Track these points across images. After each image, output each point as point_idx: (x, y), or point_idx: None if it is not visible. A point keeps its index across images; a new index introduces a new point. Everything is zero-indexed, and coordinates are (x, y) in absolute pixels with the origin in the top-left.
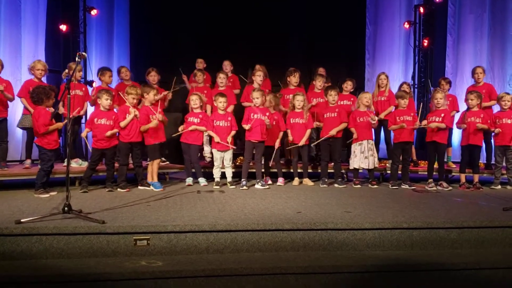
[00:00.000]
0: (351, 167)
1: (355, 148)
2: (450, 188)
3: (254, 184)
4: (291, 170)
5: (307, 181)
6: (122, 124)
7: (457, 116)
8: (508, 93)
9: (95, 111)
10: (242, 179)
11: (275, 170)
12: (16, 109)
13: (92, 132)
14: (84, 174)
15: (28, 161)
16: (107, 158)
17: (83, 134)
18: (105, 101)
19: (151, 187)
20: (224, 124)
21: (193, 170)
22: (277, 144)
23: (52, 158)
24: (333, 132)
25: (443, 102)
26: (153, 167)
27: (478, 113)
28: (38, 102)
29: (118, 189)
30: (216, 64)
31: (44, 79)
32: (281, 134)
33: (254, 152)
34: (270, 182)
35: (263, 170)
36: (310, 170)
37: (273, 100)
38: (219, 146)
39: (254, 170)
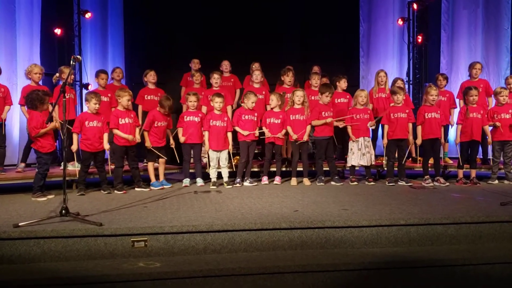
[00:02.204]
0: (348, 165)
1: (352, 145)
2: (447, 184)
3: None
4: (284, 169)
5: (305, 181)
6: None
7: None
8: (505, 88)
9: (83, 114)
10: (237, 178)
11: (274, 169)
12: (13, 114)
13: (82, 135)
14: (78, 177)
15: (22, 164)
16: (98, 161)
17: (74, 149)
18: (93, 105)
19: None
20: (220, 124)
21: (192, 171)
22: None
23: (48, 161)
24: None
25: (437, 98)
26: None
27: (478, 109)
28: (32, 107)
29: (115, 191)
30: (212, 65)
31: (40, 83)
32: (283, 131)
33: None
34: (267, 182)
35: (257, 169)
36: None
37: (279, 99)
38: (214, 146)
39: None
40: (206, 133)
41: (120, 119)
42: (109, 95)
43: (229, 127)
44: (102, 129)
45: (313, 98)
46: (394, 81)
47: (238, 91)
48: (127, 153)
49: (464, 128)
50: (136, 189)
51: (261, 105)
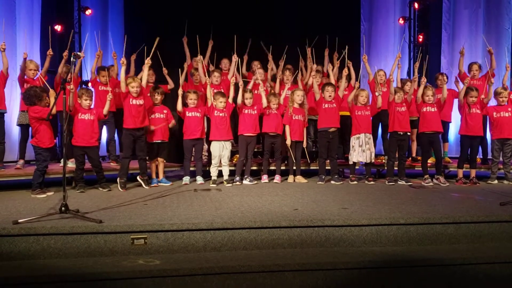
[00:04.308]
0: (350, 162)
1: (354, 142)
2: (447, 183)
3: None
4: (283, 168)
5: (300, 178)
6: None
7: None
8: (505, 89)
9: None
10: (236, 176)
11: (274, 167)
12: (12, 110)
13: (73, 130)
14: (75, 175)
15: (21, 161)
16: (91, 159)
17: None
18: (84, 101)
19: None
20: (223, 115)
21: (192, 168)
22: (288, 142)
23: (47, 158)
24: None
25: (433, 99)
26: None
27: (476, 104)
28: (30, 104)
29: (118, 187)
30: (212, 62)
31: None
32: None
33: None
34: (266, 180)
35: (256, 168)
36: (304, 167)
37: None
38: (218, 136)
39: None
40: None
41: (131, 99)
42: (110, 88)
43: (229, 109)
44: (94, 123)
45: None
46: (404, 83)
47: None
48: (136, 143)
49: (465, 123)
50: (138, 178)
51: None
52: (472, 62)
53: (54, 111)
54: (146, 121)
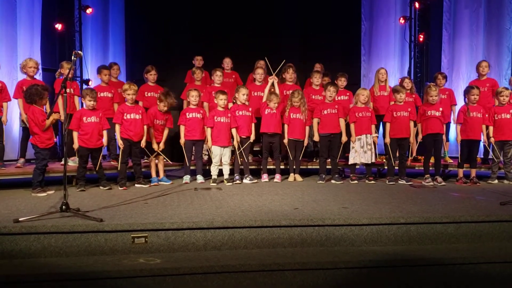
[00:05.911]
0: (350, 163)
1: (354, 143)
2: (444, 183)
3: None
4: (282, 167)
5: (297, 177)
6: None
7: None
8: (507, 88)
9: (81, 111)
10: (235, 175)
11: (274, 166)
12: (13, 109)
13: (80, 131)
14: (77, 174)
15: (22, 160)
16: (94, 158)
17: (75, 147)
18: (88, 102)
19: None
20: (225, 120)
21: (192, 167)
22: (285, 141)
23: (46, 157)
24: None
25: (437, 98)
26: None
27: (479, 108)
28: (31, 102)
29: (118, 187)
30: (214, 61)
31: (40, 78)
32: (285, 127)
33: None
34: (267, 179)
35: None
36: (303, 167)
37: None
38: (219, 142)
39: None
40: (208, 130)
41: (125, 114)
42: (112, 91)
43: (232, 123)
44: (100, 124)
45: (313, 97)
46: (402, 80)
47: None
48: (131, 149)
49: (464, 127)
50: (136, 185)
51: (260, 102)
52: (481, 60)
53: (47, 125)
54: (141, 135)
